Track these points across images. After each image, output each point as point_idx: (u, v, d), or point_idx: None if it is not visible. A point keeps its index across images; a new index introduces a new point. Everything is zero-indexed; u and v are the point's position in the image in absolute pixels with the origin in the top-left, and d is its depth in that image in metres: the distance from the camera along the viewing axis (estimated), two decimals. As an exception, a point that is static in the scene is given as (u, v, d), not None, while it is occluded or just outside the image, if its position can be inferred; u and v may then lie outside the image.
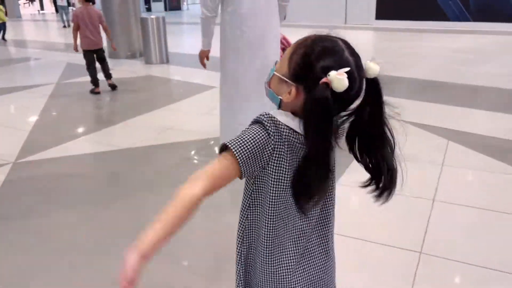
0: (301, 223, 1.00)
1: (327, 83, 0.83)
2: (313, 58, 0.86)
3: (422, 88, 5.65)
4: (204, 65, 3.39)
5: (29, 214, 2.71)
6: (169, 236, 0.85)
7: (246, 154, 0.88)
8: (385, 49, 9.23)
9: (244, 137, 0.90)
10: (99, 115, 5.10)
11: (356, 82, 0.87)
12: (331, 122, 0.86)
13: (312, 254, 1.04)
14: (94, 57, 5.80)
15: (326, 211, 1.04)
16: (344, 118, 0.94)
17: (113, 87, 5.95)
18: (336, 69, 0.84)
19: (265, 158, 0.91)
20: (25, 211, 2.75)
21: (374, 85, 0.90)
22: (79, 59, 8.68)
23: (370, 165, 0.97)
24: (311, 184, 0.90)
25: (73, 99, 5.68)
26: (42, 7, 30.24)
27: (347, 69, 0.84)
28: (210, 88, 5.61)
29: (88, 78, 5.84)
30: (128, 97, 5.69)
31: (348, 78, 0.83)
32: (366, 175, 0.99)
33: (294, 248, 1.00)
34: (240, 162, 0.88)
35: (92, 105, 5.52)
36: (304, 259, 1.03)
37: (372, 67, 0.89)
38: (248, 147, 0.88)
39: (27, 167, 3.42)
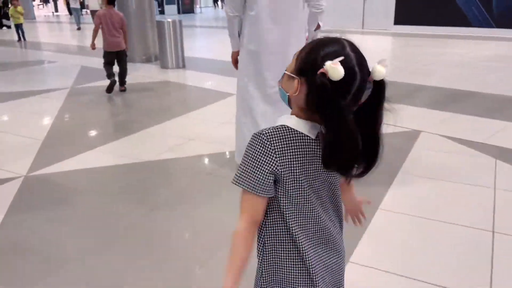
0: (319, 220, 1.05)
1: (323, 72, 0.88)
2: (316, 52, 0.92)
3: (451, 98, 5.33)
4: (236, 68, 3.20)
5: (39, 239, 2.47)
6: (242, 273, 0.99)
7: (259, 185, 0.97)
8: (405, 55, 8.91)
9: (247, 169, 0.97)
10: (116, 123, 4.87)
11: (356, 76, 0.90)
12: (339, 103, 0.89)
13: (331, 245, 1.09)
14: (115, 58, 5.91)
15: (336, 201, 1.10)
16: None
17: (122, 91, 6.04)
18: (333, 59, 0.88)
19: (273, 173, 0.97)
20: (34, 235, 2.51)
21: (379, 88, 0.94)
22: (94, 62, 8.56)
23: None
24: (346, 156, 0.93)
25: (88, 105, 5.48)
26: (56, 9, 30.36)
27: (341, 58, 0.88)
28: (228, 96, 5.37)
29: (102, 83, 5.67)
30: (145, 104, 5.46)
31: (347, 70, 0.87)
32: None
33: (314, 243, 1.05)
34: (258, 193, 0.97)
35: (108, 112, 5.30)
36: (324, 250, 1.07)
37: (378, 70, 0.92)
38: (256, 177, 0.96)
39: (39, 181, 3.19)
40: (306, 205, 1.02)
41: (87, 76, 7.27)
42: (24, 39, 13.10)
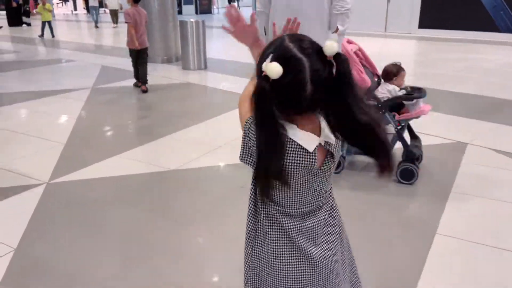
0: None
1: (265, 75, 0.88)
2: (261, 58, 0.94)
3: (491, 107, 5.02)
4: None
5: (61, 258, 2.28)
6: None
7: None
8: (433, 60, 8.57)
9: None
10: (139, 127, 4.68)
11: (303, 61, 0.89)
12: (271, 113, 0.90)
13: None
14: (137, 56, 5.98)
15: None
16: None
17: (144, 91, 5.96)
18: (274, 56, 0.89)
19: None
20: (56, 253, 2.32)
21: (343, 61, 0.91)
22: (114, 62, 8.45)
23: (366, 148, 0.99)
24: (268, 167, 0.94)
25: (110, 106, 5.31)
26: (75, 8, 30.55)
27: (270, 55, 0.90)
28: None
29: (123, 84, 5.56)
30: (169, 107, 5.28)
31: (288, 61, 0.88)
32: None
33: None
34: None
35: (132, 115, 5.13)
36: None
37: (327, 45, 0.90)
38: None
39: (61, 189, 3.01)
40: (294, 195, 1.03)
41: (108, 76, 7.13)
42: (53, 35, 13.39)
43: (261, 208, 1.06)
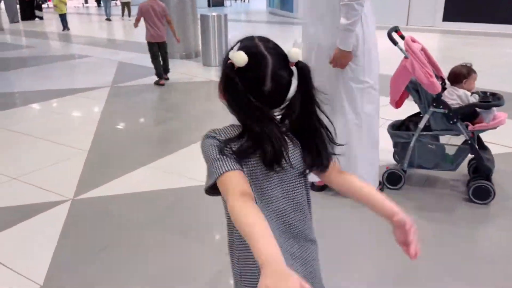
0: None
1: (231, 62, 0.93)
2: (226, 52, 0.97)
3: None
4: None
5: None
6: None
7: (226, 162, 0.91)
8: (463, 55, 8.11)
9: (211, 163, 0.94)
10: (163, 133, 4.29)
11: (267, 59, 0.93)
12: (246, 97, 0.92)
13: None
14: (158, 49, 5.91)
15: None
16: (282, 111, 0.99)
17: (166, 79, 6.05)
18: (241, 47, 0.94)
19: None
20: (84, 284, 2.00)
21: (303, 73, 0.96)
22: (131, 57, 8.12)
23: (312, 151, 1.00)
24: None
25: (132, 108, 4.99)
26: (86, 1, 30.29)
27: (238, 44, 0.96)
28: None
29: (143, 81, 5.43)
30: (193, 109, 4.93)
31: (254, 55, 0.92)
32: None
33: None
34: (231, 169, 0.90)
35: (156, 117, 4.81)
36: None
37: (293, 51, 0.94)
38: (221, 160, 0.92)
39: (87, 207, 2.69)
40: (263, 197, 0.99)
41: (126, 73, 6.81)
42: (68, 28, 13.27)
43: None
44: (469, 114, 2.60)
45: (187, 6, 7.83)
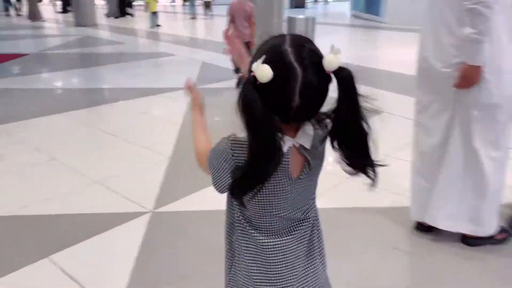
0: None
1: (254, 76, 0.83)
2: (255, 55, 0.87)
3: None
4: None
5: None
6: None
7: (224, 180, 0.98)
8: None
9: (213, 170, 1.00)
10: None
11: (296, 72, 0.82)
12: (265, 114, 0.83)
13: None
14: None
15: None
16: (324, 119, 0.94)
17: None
18: (268, 58, 0.83)
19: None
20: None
21: (345, 78, 0.86)
22: (214, 57, 8.07)
23: (352, 160, 0.95)
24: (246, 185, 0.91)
25: (214, 111, 4.79)
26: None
27: (263, 57, 0.83)
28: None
29: (227, 84, 5.43)
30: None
31: (281, 67, 0.82)
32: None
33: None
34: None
35: (236, 125, 4.61)
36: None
37: (328, 60, 0.84)
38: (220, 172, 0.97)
39: (167, 222, 2.52)
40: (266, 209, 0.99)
41: (209, 74, 6.75)
42: (158, 25, 13.80)
43: (237, 226, 1.04)
44: None
45: (274, 7, 7.64)
